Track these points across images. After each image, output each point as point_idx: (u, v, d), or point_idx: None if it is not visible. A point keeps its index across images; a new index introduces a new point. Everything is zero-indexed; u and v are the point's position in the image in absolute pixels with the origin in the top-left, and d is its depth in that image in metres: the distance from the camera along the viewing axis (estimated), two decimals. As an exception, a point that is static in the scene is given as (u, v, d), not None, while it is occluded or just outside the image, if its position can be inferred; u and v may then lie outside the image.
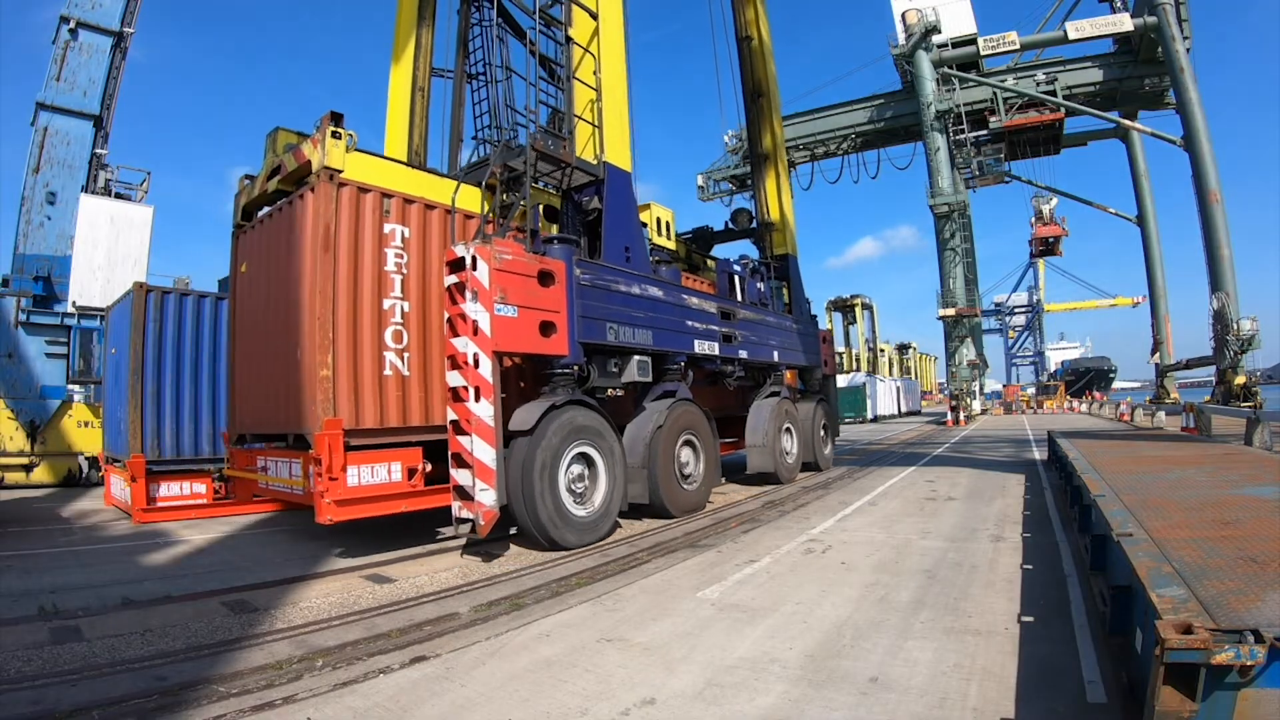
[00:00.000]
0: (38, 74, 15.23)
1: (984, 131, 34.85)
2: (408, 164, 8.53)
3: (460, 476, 6.40)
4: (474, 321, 6.49)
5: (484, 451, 6.28)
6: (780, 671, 3.62)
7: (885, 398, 44.22)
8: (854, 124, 39.01)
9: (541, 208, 8.24)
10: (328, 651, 4.14)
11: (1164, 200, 43.26)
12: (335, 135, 6.76)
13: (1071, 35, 32.33)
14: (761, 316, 12.43)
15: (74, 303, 14.22)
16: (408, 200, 7.30)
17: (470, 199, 8.01)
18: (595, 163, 8.81)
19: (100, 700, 3.45)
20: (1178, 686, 2.28)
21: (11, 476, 13.16)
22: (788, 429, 12.40)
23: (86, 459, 13.73)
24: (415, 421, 7.08)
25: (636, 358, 8.61)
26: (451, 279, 6.76)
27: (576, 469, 7.41)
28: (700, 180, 42.96)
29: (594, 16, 9.06)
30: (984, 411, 40.07)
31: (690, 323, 9.98)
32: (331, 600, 5.28)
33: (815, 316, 15.88)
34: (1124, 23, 31.51)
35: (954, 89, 34.77)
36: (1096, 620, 4.17)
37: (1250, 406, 20.79)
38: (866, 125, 39.02)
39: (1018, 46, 34.31)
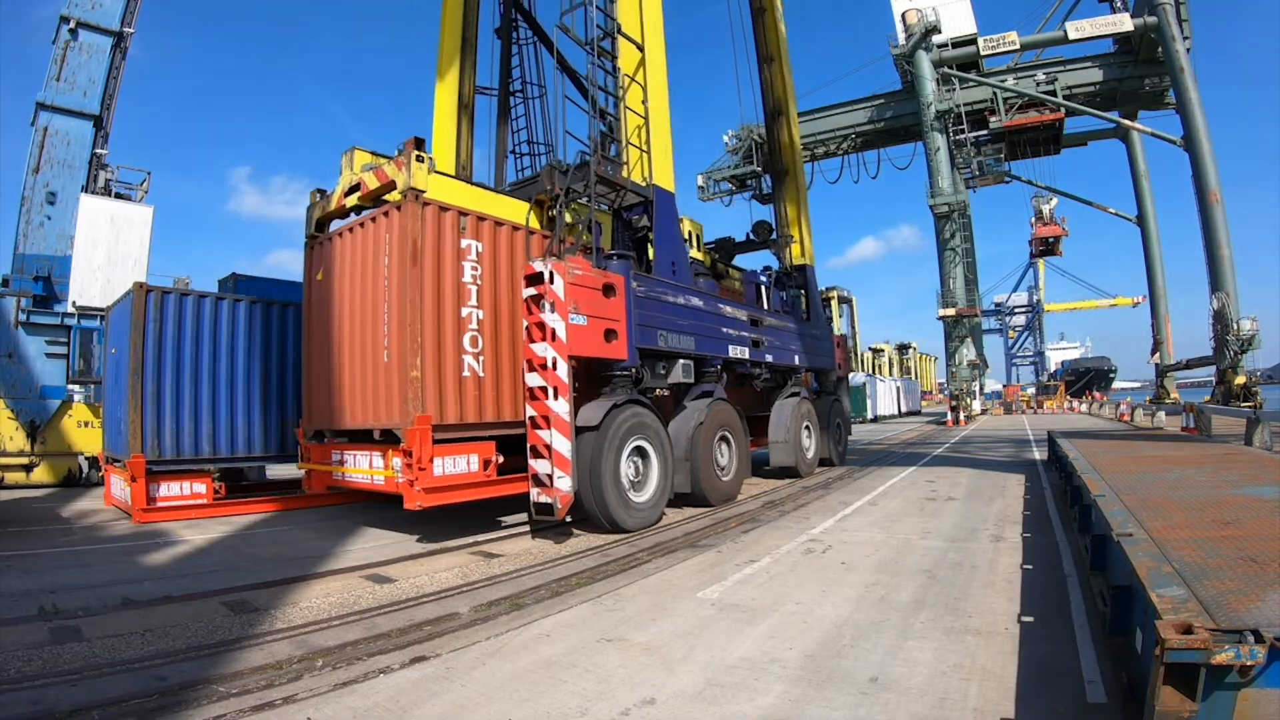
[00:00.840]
0: (38, 74, 15.23)
1: (984, 131, 34.84)
2: (475, 183, 9.21)
3: (539, 466, 7.18)
4: (552, 329, 7.30)
5: (561, 443, 7.10)
6: (780, 671, 3.62)
7: (885, 398, 44.22)
8: (854, 124, 39.00)
9: (594, 224, 9.11)
10: (328, 651, 4.14)
11: (1164, 200, 43.38)
12: (419, 159, 7.51)
13: (1071, 35, 32.34)
14: (784, 323, 13.36)
15: (74, 303, 14.20)
16: (480, 218, 8.04)
17: (511, 211, 8.78)
18: (644, 185, 9.62)
19: (100, 700, 3.45)
20: (1178, 686, 2.28)
21: (11, 476, 13.15)
22: (807, 427, 13.21)
23: (86, 459, 13.72)
24: (489, 418, 7.86)
25: (681, 361, 9.49)
26: (530, 291, 7.54)
27: (634, 461, 8.27)
28: (700, 180, 42.93)
29: (640, 48, 9.85)
30: (984, 411, 40.08)
31: (725, 329, 10.94)
32: (331, 600, 5.28)
33: (830, 322, 16.74)
34: (1124, 23, 31.52)
35: (954, 89, 34.77)
36: (1096, 620, 4.17)
37: (1250, 406, 20.80)
38: (866, 125, 39.01)
39: (1018, 46, 34.31)
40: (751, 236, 15.87)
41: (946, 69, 35.00)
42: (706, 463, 9.44)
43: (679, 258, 10.06)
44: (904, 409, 48.03)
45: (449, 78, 12.44)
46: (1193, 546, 3.62)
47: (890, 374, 58.44)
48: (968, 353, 35.48)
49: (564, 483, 7.04)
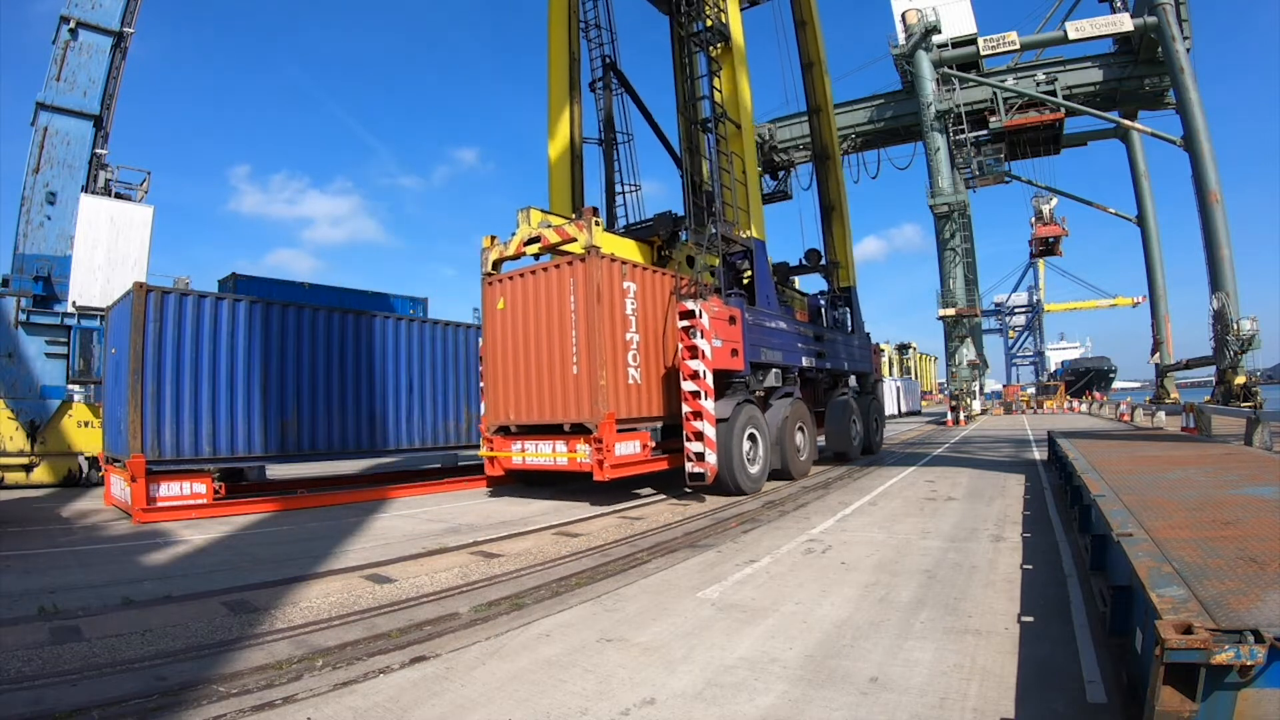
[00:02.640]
0: (38, 72, 15.22)
1: (984, 131, 34.85)
2: (617, 233, 11.91)
3: (693, 447, 9.82)
4: (701, 350, 9.89)
5: (709, 430, 9.81)
6: (780, 671, 3.62)
7: (885, 397, 44.08)
8: (854, 124, 38.97)
9: (719, 271, 12.13)
10: (328, 651, 4.13)
11: (1164, 200, 43.50)
12: (596, 223, 10.33)
13: (1071, 35, 32.35)
14: (837, 337, 16.49)
15: (74, 303, 14.18)
16: (634, 265, 10.71)
17: (628, 249, 11.63)
18: (745, 237, 12.62)
19: (100, 700, 3.45)
20: (1178, 686, 2.28)
21: (11, 476, 13.15)
22: (854, 419, 16.02)
23: (86, 459, 13.72)
24: (644, 413, 10.51)
25: (774, 370, 12.42)
26: (684, 323, 10.09)
27: (748, 444, 10.76)
28: (700, 180, 42.90)
29: (738, 127, 13.02)
30: (984, 411, 40.08)
31: (799, 344, 13.87)
32: (331, 600, 5.28)
33: (869, 334, 19.47)
34: (1124, 23, 31.53)
35: (954, 89, 34.77)
36: (1096, 620, 4.17)
37: (1250, 406, 20.82)
38: (867, 125, 38.99)
39: (1018, 46, 34.32)
40: (804, 262, 18.23)
41: (946, 69, 35.00)
42: (790, 446, 12.18)
43: (770, 292, 13.18)
44: (904, 409, 47.98)
45: (560, 132, 14.98)
46: (1193, 546, 3.62)
47: (890, 374, 58.34)
48: (968, 353, 35.50)
49: (711, 458, 9.76)
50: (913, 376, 66.11)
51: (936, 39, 34.62)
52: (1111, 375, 70.91)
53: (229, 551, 7.37)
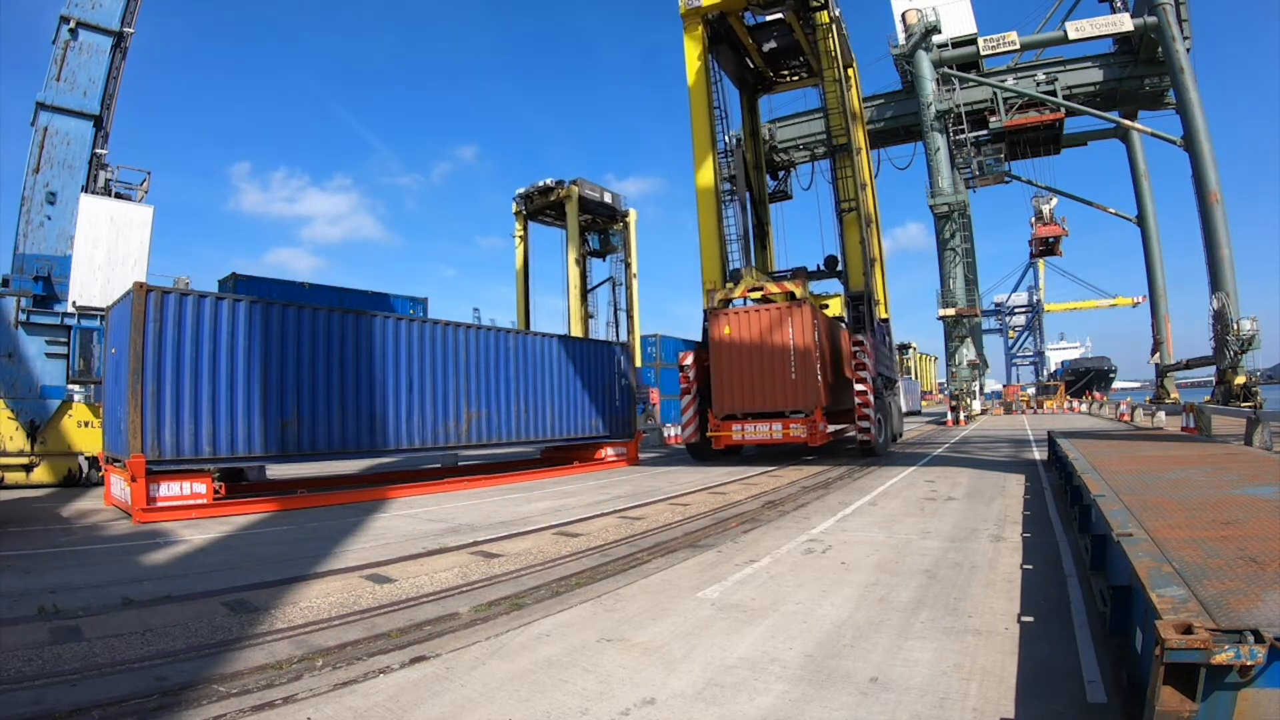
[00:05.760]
0: (37, 71, 15.22)
1: (984, 131, 34.87)
2: (795, 278, 17.83)
3: (863, 424, 15.96)
4: (866, 364, 15.98)
5: (873, 414, 15.92)
6: (780, 671, 3.62)
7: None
8: (854, 124, 38.96)
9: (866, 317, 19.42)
10: (328, 651, 4.13)
11: (1164, 200, 43.51)
12: (806, 282, 16.31)
13: (1071, 35, 32.35)
14: (887, 352, 22.71)
15: (74, 303, 14.17)
16: (817, 308, 16.23)
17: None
18: (863, 291, 20.14)
19: (100, 700, 3.44)
20: (1178, 686, 2.28)
21: (11, 476, 13.14)
22: (896, 412, 22.61)
23: (86, 459, 13.70)
24: (825, 404, 15.47)
25: (880, 377, 17.68)
26: (855, 348, 16.28)
27: (878, 422, 16.53)
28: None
29: (857, 214, 20.42)
30: (984, 411, 40.09)
31: (886, 360, 20.68)
32: (331, 600, 5.27)
33: (895, 349, 28.10)
34: (1124, 23, 31.53)
35: (954, 89, 34.78)
36: (1096, 620, 4.17)
37: (1250, 406, 20.81)
38: (866, 125, 38.94)
39: (1018, 46, 34.33)
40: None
41: (946, 69, 35.00)
42: (889, 423, 18.68)
43: (877, 327, 19.77)
44: (904, 409, 47.92)
45: (707, 195, 19.87)
46: (1193, 546, 3.62)
47: (890, 374, 58.19)
48: (968, 353, 35.51)
49: (873, 429, 15.87)
50: (913, 376, 66.06)
51: (936, 39, 34.64)
52: (1111, 375, 70.93)
53: (229, 551, 7.37)
